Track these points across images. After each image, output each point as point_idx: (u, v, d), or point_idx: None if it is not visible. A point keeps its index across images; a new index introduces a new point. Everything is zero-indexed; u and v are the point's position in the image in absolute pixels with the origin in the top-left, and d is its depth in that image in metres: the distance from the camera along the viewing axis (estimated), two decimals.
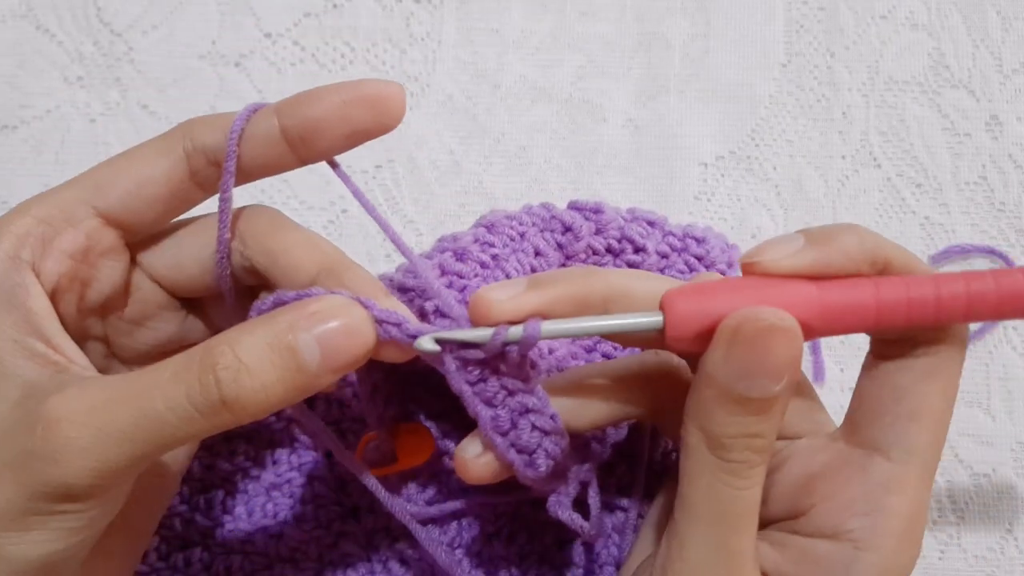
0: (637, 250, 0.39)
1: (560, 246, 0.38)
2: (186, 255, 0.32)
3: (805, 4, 0.50)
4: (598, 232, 0.39)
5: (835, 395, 0.47)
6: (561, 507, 0.32)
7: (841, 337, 0.47)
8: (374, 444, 0.35)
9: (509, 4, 0.50)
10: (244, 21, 0.48)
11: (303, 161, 0.30)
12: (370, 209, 0.31)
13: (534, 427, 0.29)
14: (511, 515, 0.38)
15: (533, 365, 0.30)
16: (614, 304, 0.29)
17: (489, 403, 0.29)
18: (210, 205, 0.32)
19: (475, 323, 0.28)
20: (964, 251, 0.48)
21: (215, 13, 0.48)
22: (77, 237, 0.29)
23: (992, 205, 0.48)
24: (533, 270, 0.37)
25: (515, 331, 0.28)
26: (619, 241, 0.39)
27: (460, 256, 0.35)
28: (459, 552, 0.37)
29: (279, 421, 0.38)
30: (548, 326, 0.28)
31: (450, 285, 0.35)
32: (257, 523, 0.37)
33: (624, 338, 0.32)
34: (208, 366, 0.25)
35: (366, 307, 0.27)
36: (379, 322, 0.28)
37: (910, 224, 0.48)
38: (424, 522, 0.35)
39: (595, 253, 0.39)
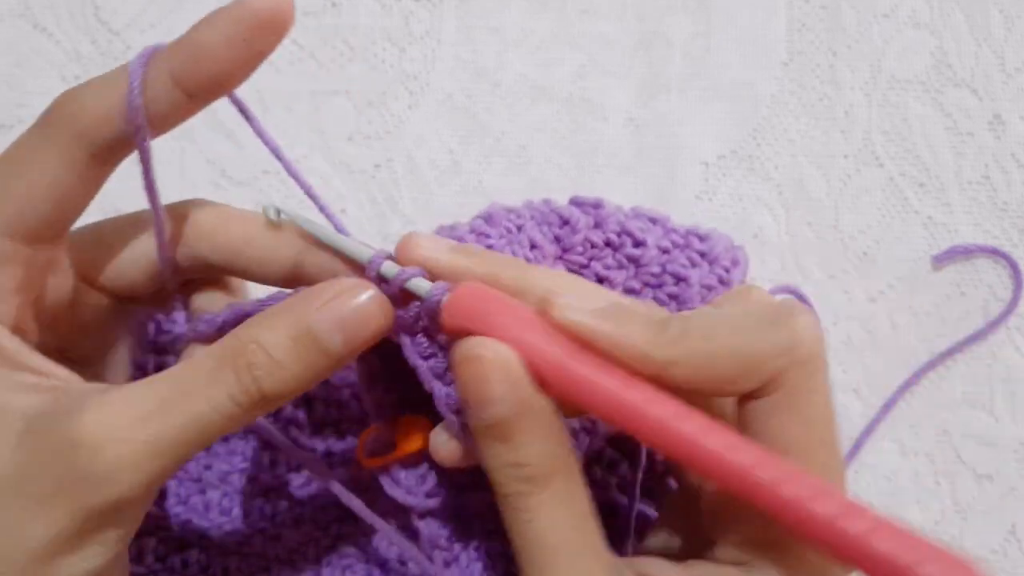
0: (636, 244, 0.38)
1: (557, 239, 0.38)
2: (128, 259, 0.32)
3: (807, 2, 0.50)
4: (597, 226, 0.38)
5: (837, 396, 0.46)
6: None
7: (843, 337, 0.47)
8: (374, 436, 0.35)
9: (509, 2, 0.49)
10: None
11: (205, 105, 0.29)
12: (267, 141, 0.31)
13: None
14: None
15: None
16: (530, 296, 0.28)
17: (441, 379, 0.29)
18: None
19: (399, 257, 0.29)
20: (967, 251, 0.47)
21: None
22: (14, 272, 0.28)
23: (995, 205, 0.48)
24: (528, 261, 0.37)
25: (391, 267, 0.28)
26: (618, 235, 0.39)
27: None
28: (458, 546, 0.36)
29: (276, 423, 0.38)
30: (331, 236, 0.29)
31: None
32: (254, 525, 0.37)
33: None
34: (244, 366, 0.26)
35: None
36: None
37: (912, 224, 0.48)
38: (422, 515, 0.35)
39: (593, 246, 0.38)
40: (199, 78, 0.27)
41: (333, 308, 0.27)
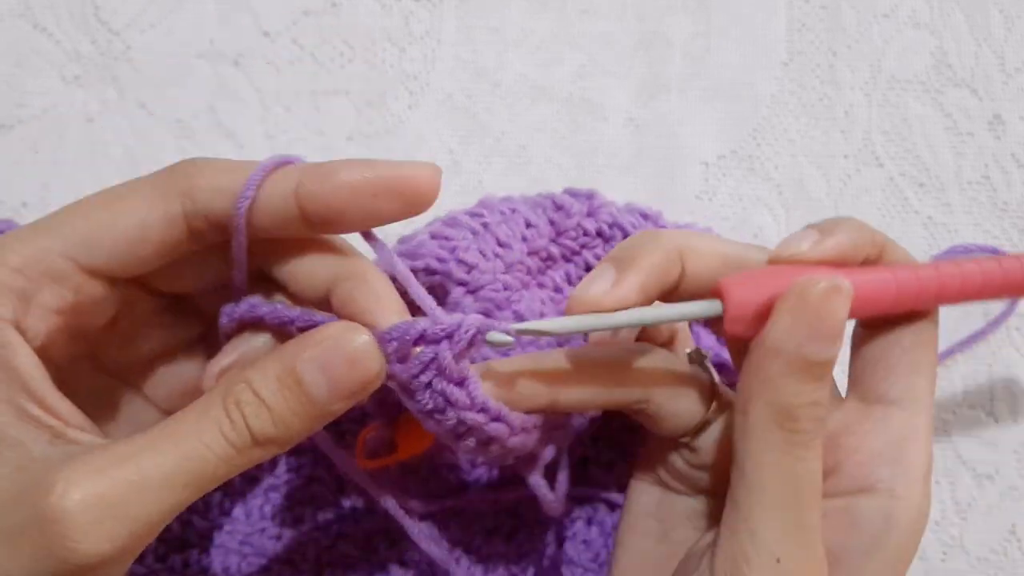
0: (626, 237, 0.38)
1: (551, 222, 0.38)
2: (189, 273, 0.31)
3: (807, 2, 0.50)
4: (590, 215, 0.39)
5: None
6: (533, 473, 0.32)
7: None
8: (374, 436, 0.35)
9: (509, 2, 0.49)
10: (242, 19, 0.48)
11: (318, 233, 0.29)
12: (414, 286, 0.29)
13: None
14: (511, 512, 0.38)
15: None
16: (688, 263, 0.30)
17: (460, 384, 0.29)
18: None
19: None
20: (967, 251, 0.47)
21: (213, 11, 0.48)
22: (63, 294, 0.27)
23: (995, 205, 0.48)
24: (524, 239, 0.37)
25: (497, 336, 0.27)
26: (610, 227, 0.39)
27: (450, 223, 0.36)
28: (457, 549, 0.36)
29: None
30: (606, 319, 0.28)
31: (440, 247, 0.35)
32: (255, 525, 0.37)
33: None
34: (232, 403, 0.26)
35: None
36: (385, 340, 0.27)
37: (912, 224, 0.48)
38: (423, 517, 0.35)
39: (585, 234, 0.39)
40: (318, 202, 0.27)
41: (318, 351, 0.26)
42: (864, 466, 0.30)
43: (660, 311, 0.29)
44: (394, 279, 0.30)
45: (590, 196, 0.39)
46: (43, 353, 0.27)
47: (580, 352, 0.31)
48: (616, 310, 0.28)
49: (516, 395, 0.30)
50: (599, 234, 0.39)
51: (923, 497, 0.30)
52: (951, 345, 0.47)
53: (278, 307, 0.28)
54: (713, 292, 0.29)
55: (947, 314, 0.47)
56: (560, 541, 0.38)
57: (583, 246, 0.39)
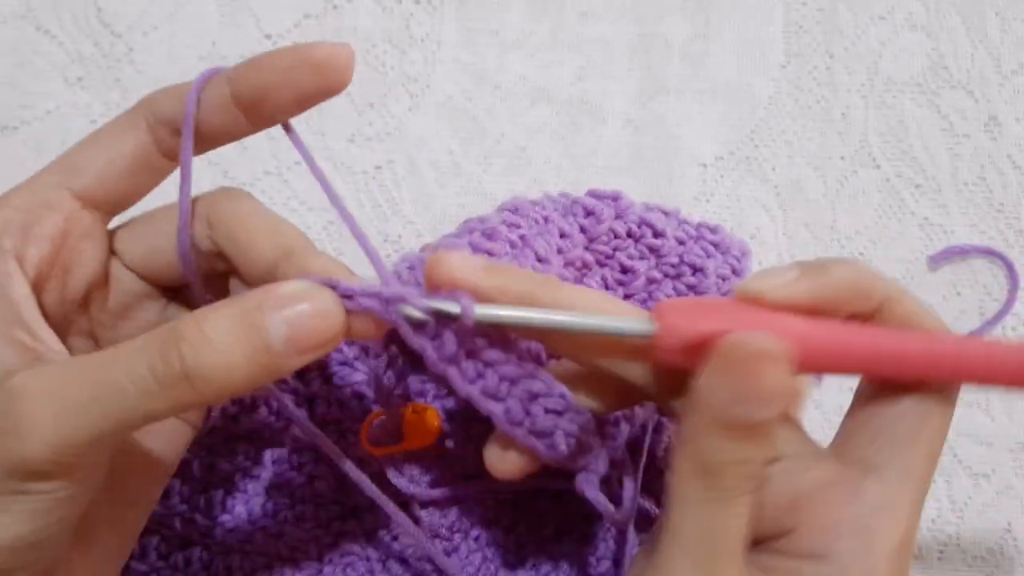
0: (656, 234, 0.39)
1: (583, 229, 0.38)
2: (160, 242, 0.32)
3: (804, 5, 0.50)
4: (618, 217, 0.39)
5: (834, 395, 0.47)
6: (588, 485, 0.31)
7: None
8: (379, 422, 0.35)
9: (509, 5, 0.50)
10: (244, 22, 0.49)
11: (257, 126, 0.31)
12: (320, 177, 0.31)
13: (547, 411, 0.29)
14: (512, 503, 0.38)
15: (527, 351, 0.30)
16: (888, 308, 0.28)
17: (496, 397, 0.29)
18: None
19: (429, 277, 0.28)
20: (963, 252, 0.48)
21: (215, 14, 0.49)
22: (56, 221, 0.30)
23: (991, 206, 0.48)
24: (560, 251, 0.37)
25: (481, 311, 0.27)
26: (639, 226, 0.39)
27: (489, 235, 0.35)
28: (458, 536, 0.37)
29: (279, 421, 0.38)
30: (526, 313, 0.27)
31: None
32: (257, 523, 0.37)
33: (585, 345, 0.30)
34: (173, 339, 0.24)
35: (334, 287, 0.26)
36: (348, 296, 0.27)
37: (909, 225, 0.48)
38: (425, 504, 0.36)
39: (616, 236, 0.39)
40: (248, 91, 0.29)
41: (287, 302, 0.25)
42: (824, 533, 0.27)
43: (587, 318, 0.27)
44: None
45: (616, 198, 0.40)
46: (37, 287, 0.29)
47: None
48: (774, 304, 0.27)
49: None
50: (629, 235, 0.39)
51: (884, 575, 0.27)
52: None
53: None
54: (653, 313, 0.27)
55: (944, 313, 0.47)
56: (558, 535, 0.39)
57: (616, 249, 0.39)
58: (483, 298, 0.27)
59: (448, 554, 0.36)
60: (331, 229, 0.47)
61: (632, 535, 0.38)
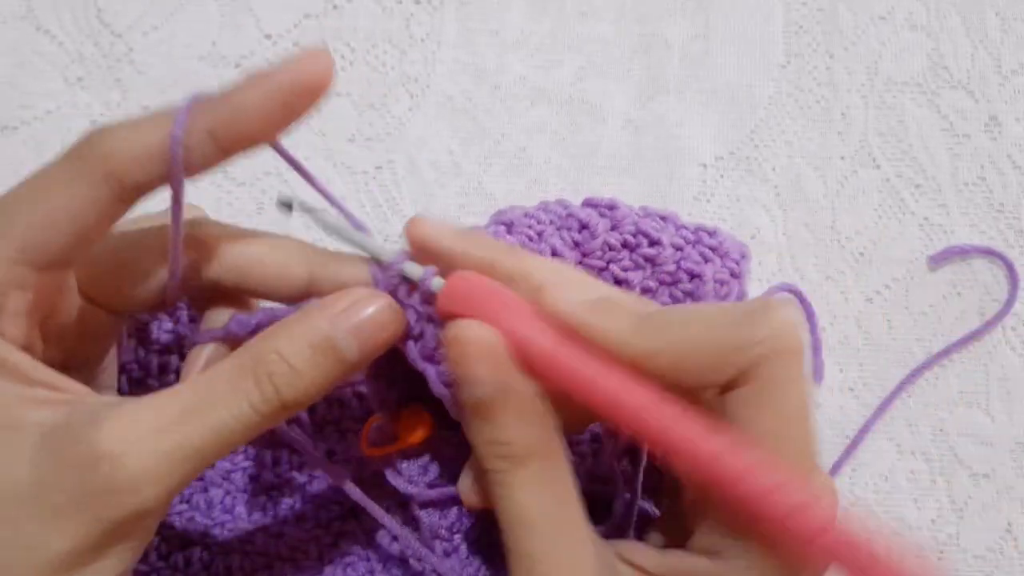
0: (652, 243, 0.39)
1: (576, 244, 0.38)
2: (134, 286, 0.32)
3: (804, 5, 0.50)
4: (613, 228, 0.39)
5: (834, 396, 0.47)
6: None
7: (840, 337, 0.47)
8: (378, 425, 0.36)
9: (509, 5, 0.50)
10: (244, 22, 0.49)
11: (236, 156, 0.30)
12: (313, 181, 0.32)
13: None
14: None
15: None
16: (519, 284, 0.30)
17: (432, 359, 0.31)
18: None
19: (409, 240, 0.31)
20: (963, 252, 0.48)
21: (215, 14, 0.49)
22: (25, 296, 0.28)
23: (991, 206, 0.48)
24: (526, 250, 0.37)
25: (414, 269, 0.30)
26: (634, 236, 0.39)
27: None
28: (457, 536, 0.37)
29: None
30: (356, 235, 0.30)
31: None
32: (257, 522, 0.37)
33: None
34: (264, 375, 0.27)
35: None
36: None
37: (909, 225, 0.48)
38: (424, 505, 0.36)
39: (611, 249, 0.39)
40: (234, 135, 0.29)
41: (350, 315, 0.28)
42: (711, 532, 0.29)
43: (414, 267, 0.30)
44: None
45: (611, 207, 0.39)
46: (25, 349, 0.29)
47: None
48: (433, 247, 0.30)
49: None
50: (624, 245, 0.39)
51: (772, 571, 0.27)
52: (948, 344, 0.47)
53: (302, 307, 0.30)
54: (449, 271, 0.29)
55: (944, 313, 0.47)
56: None
57: (609, 261, 0.39)
58: (448, 260, 0.30)
59: (448, 555, 0.36)
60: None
61: (632, 536, 0.38)
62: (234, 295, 0.33)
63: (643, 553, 0.30)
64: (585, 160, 0.48)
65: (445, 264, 0.30)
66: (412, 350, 0.31)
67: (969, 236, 0.48)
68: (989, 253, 0.48)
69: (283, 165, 0.31)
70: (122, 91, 0.48)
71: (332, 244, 0.33)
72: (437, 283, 0.29)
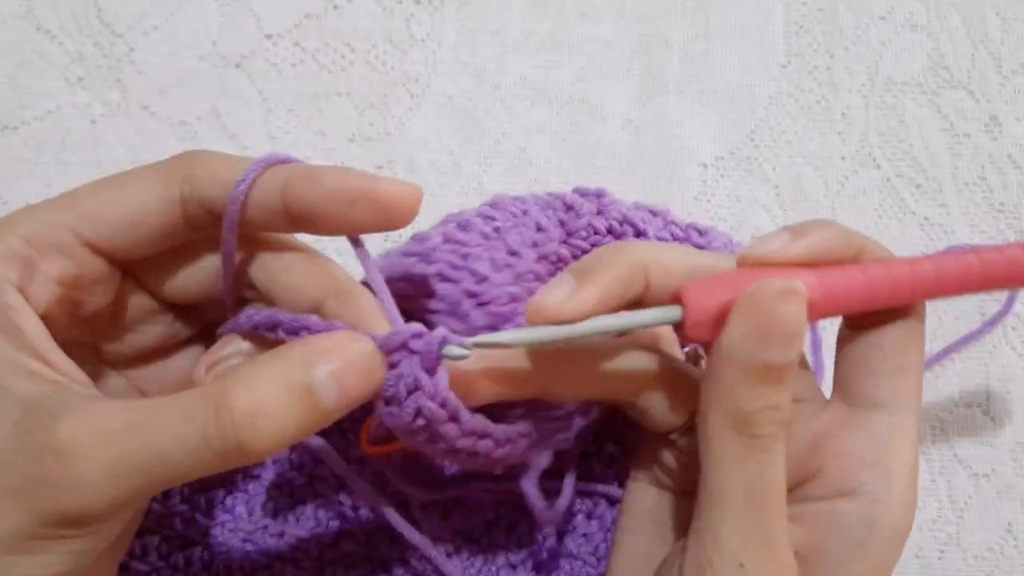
0: (638, 234, 0.39)
1: (562, 223, 0.38)
2: (183, 271, 0.32)
3: (804, 5, 0.50)
4: (599, 213, 0.39)
5: None
6: (526, 478, 0.32)
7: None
8: (378, 423, 0.35)
9: (509, 5, 0.50)
10: (245, 22, 0.49)
11: (302, 231, 0.30)
12: (382, 292, 0.30)
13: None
14: (512, 503, 0.38)
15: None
16: (653, 275, 0.30)
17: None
18: None
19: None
20: (963, 252, 0.48)
21: (216, 14, 0.49)
22: (66, 264, 0.29)
23: (991, 206, 0.48)
24: (535, 244, 0.37)
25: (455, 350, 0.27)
26: (620, 224, 0.39)
27: (463, 226, 0.36)
28: (458, 539, 0.37)
29: None
30: (565, 330, 0.28)
31: (452, 253, 0.35)
32: (258, 523, 0.38)
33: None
34: (225, 409, 0.25)
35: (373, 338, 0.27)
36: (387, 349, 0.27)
37: (909, 224, 0.48)
38: (426, 506, 0.36)
39: (596, 232, 0.39)
40: (302, 206, 0.28)
41: (331, 360, 0.26)
42: (846, 470, 0.30)
43: (621, 319, 0.28)
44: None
45: (599, 194, 0.39)
46: (45, 323, 0.28)
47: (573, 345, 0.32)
48: (573, 320, 0.28)
49: (508, 382, 0.30)
50: (610, 231, 0.39)
51: (907, 500, 0.30)
52: (948, 344, 0.47)
53: (299, 316, 0.29)
54: (672, 298, 0.29)
55: (944, 314, 0.47)
56: (560, 534, 0.39)
57: (594, 245, 0.39)
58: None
59: (449, 556, 0.36)
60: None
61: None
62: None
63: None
64: (585, 160, 0.48)
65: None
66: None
67: (970, 236, 0.48)
68: None
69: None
70: (122, 91, 0.48)
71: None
72: (453, 350, 0.27)
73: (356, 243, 0.30)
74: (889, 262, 0.30)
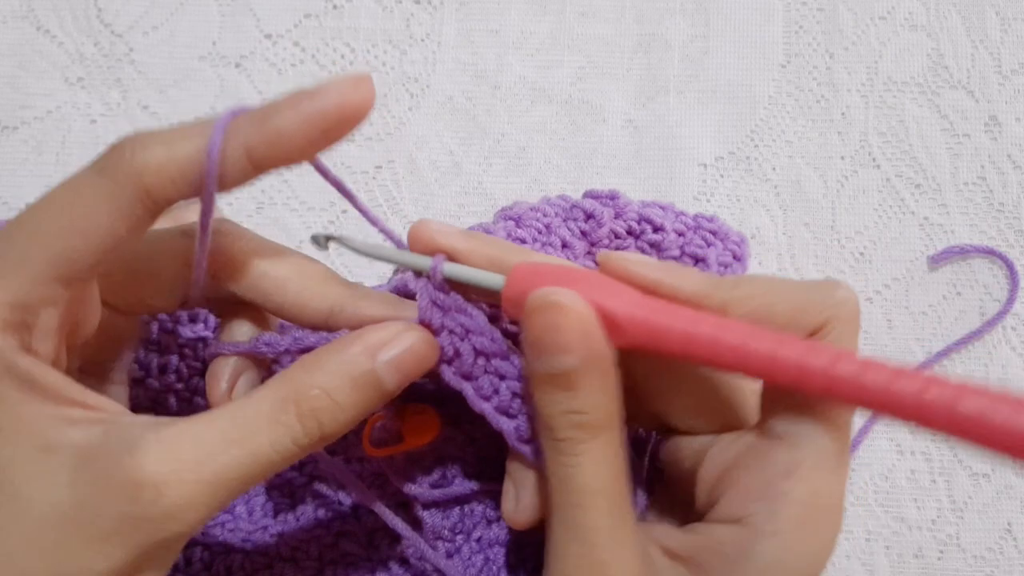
0: (656, 229, 0.40)
1: (584, 233, 0.39)
2: (154, 291, 0.32)
3: (804, 5, 0.50)
4: (617, 216, 0.39)
5: None
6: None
7: None
8: (381, 424, 0.36)
9: (509, 5, 0.50)
10: (244, 22, 0.49)
11: (275, 171, 0.29)
12: (354, 200, 0.32)
13: (514, 394, 0.31)
14: None
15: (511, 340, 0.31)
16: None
17: (508, 414, 0.31)
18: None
19: (409, 244, 0.31)
20: (963, 251, 0.48)
21: (216, 14, 0.49)
22: (57, 312, 0.28)
23: (991, 206, 0.48)
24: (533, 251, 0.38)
25: (424, 260, 0.30)
26: (638, 223, 0.40)
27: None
28: (460, 537, 0.37)
29: None
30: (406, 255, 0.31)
31: None
32: (258, 522, 0.38)
33: (486, 298, 0.33)
34: (308, 412, 0.27)
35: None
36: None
37: (909, 224, 0.48)
38: (427, 506, 0.36)
39: (617, 237, 0.39)
40: (271, 156, 0.28)
41: (391, 349, 0.29)
42: (737, 501, 0.29)
43: (458, 269, 0.30)
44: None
45: (614, 197, 0.40)
46: (55, 368, 0.28)
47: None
48: (432, 248, 0.30)
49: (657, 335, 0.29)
50: (629, 232, 0.40)
51: (799, 540, 0.28)
52: (948, 345, 0.47)
53: (325, 335, 0.31)
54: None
55: (944, 313, 0.47)
56: None
57: (616, 248, 0.39)
58: (457, 259, 0.31)
59: (450, 556, 0.36)
60: (331, 229, 0.47)
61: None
62: (254, 308, 0.33)
63: (667, 533, 0.31)
64: (585, 160, 0.48)
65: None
66: (446, 372, 0.31)
67: (969, 236, 0.48)
68: (989, 253, 0.48)
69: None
70: (122, 91, 0.48)
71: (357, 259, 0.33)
72: (494, 280, 0.30)
73: (319, 167, 0.31)
74: (734, 325, 0.27)
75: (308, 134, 0.28)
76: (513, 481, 0.32)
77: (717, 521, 0.30)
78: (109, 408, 0.28)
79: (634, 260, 0.29)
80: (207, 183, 0.27)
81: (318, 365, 0.28)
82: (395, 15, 0.49)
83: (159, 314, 0.36)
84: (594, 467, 0.28)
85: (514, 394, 0.31)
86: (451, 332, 0.30)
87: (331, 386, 0.28)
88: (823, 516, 0.29)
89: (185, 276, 0.31)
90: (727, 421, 0.32)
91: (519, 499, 0.32)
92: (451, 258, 0.31)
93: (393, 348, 0.29)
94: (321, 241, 0.32)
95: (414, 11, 0.49)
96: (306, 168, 0.31)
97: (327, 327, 0.31)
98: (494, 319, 0.32)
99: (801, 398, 0.29)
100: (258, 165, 0.28)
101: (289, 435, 0.27)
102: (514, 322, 0.33)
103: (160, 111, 0.47)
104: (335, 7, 0.49)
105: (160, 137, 0.27)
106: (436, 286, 0.30)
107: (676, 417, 0.33)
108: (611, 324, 0.28)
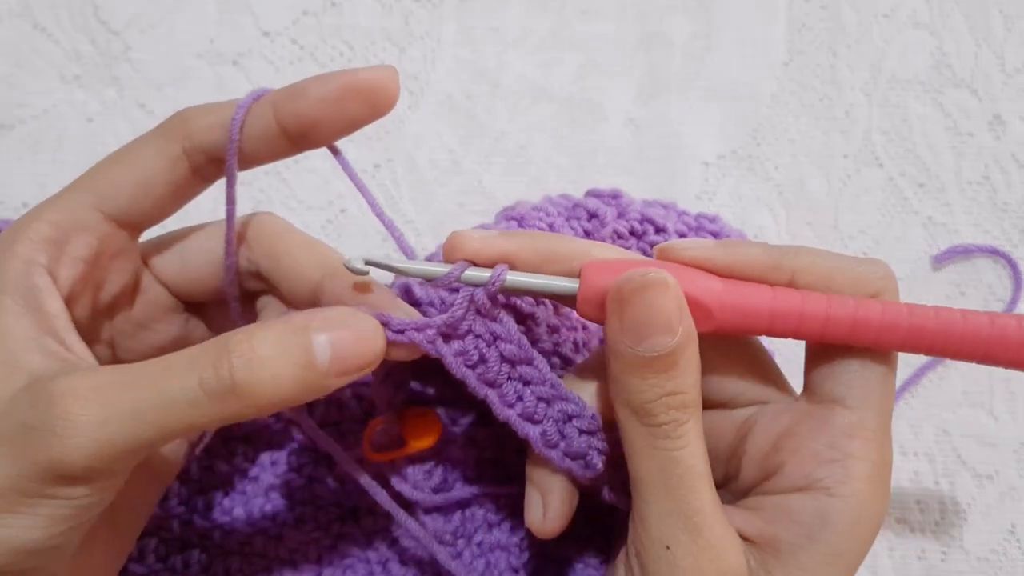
0: (658, 230, 0.40)
1: (587, 233, 0.38)
2: (194, 259, 0.33)
3: (807, 3, 0.50)
4: (620, 216, 0.39)
5: None
6: (616, 492, 0.33)
7: None
8: (382, 428, 0.35)
9: (509, 3, 0.49)
10: (242, 20, 0.48)
11: (301, 149, 0.31)
12: (368, 197, 0.31)
13: (580, 431, 0.31)
14: (514, 505, 0.38)
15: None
16: (578, 263, 0.30)
17: (533, 420, 0.30)
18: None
19: (447, 257, 0.30)
20: (967, 251, 0.47)
21: (213, 12, 0.48)
22: (90, 242, 0.30)
23: (995, 205, 0.48)
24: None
25: (481, 273, 0.29)
26: (640, 223, 0.40)
27: None
28: (461, 541, 0.37)
29: (278, 423, 0.38)
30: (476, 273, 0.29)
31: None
32: (256, 525, 0.37)
33: (556, 299, 0.33)
34: (224, 352, 0.25)
35: (384, 323, 0.29)
36: (388, 325, 0.29)
37: (912, 224, 0.48)
38: (428, 510, 0.36)
39: (620, 237, 0.39)
40: (296, 121, 0.29)
41: (331, 322, 0.27)
42: (803, 466, 0.30)
43: (523, 277, 0.29)
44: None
45: (616, 196, 0.40)
46: (68, 305, 0.30)
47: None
48: (480, 260, 0.29)
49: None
50: (632, 233, 0.39)
51: (867, 495, 0.29)
52: None
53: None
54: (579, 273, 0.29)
55: None
56: (560, 536, 0.38)
57: None
58: (506, 262, 0.30)
59: (452, 559, 0.36)
60: (329, 228, 0.47)
61: None
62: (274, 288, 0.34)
63: (729, 513, 0.31)
64: (586, 158, 0.48)
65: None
66: (470, 378, 0.30)
67: (973, 235, 0.48)
68: (993, 252, 0.47)
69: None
70: (119, 89, 0.47)
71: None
72: (566, 285, 0.29)
73: (335, 151, 0.31)
74: (808, 294, 0.29)
75: (328, 102, 0.29)
76: (539, 489, 0.32)
77: (780, 492, 0.30)
78: (81, 354, 0.29)
79: (692, 246, 0.30)
80: (229, 154, 0.30)
81: (262, 324, 0.27)
82: (394, 12, 0.49)
83: (203, 298, 0.35)
84: (699, 448, 0.28)
85: (539, 399, 0.30)
86: (477, 336, 0.30)
87: (258, 337, 0.26)
88: (885, 473, 0.30)
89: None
90: (768, 389, 0.33)
91: (547, 507, 0.31)
92: (499, 263, 0.30)
93: (335, 321, 0.27)
94: (357, 263, 0.30)
95: (413, 8, 0.49)
96: (304, 167, 0.31)
97: (314, 296, 0.31)
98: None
99: (856, 362, 0.30)
100: (286, 131, 0.30)
101: (197, 375, 0.25)
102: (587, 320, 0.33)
103: (157, 109, 0.47)
104: (334, 4, 0.49)
105: (204, 104, 0.31)
106: (490, 295, 0.29)
107: (721, 389, 0.33)
108: (701, 311, 0.28)
